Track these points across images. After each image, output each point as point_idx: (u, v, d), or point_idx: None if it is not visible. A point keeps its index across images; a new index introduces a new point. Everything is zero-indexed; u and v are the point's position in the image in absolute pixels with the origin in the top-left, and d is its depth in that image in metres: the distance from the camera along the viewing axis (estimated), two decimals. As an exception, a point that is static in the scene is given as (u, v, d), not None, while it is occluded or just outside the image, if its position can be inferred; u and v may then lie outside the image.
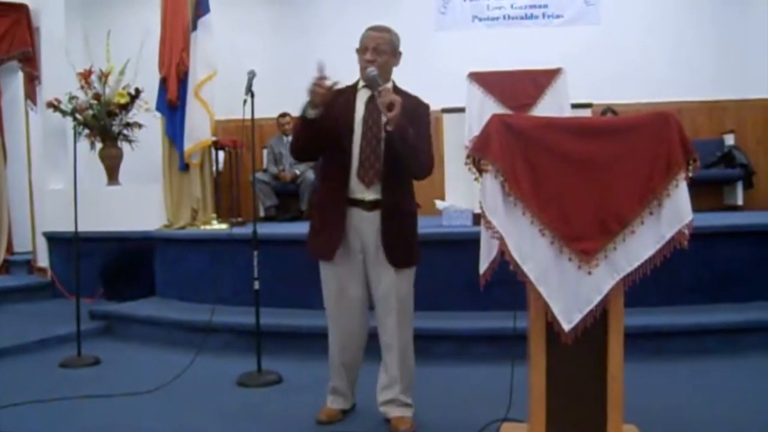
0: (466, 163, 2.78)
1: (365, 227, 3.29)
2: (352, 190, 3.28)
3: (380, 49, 3.34)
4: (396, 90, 3.38)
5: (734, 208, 8.02)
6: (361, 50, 3.37)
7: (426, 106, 3.46)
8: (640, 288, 2.75)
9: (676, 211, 2.60)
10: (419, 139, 3.25)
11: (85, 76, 7.09)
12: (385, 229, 3.27)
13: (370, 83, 3.24)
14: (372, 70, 3.23)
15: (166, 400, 3.95)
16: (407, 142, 3.16)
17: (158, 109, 6.85)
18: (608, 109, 7.75)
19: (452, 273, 4.92)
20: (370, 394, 3.57)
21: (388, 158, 3.24)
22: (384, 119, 3.14)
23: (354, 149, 3.27)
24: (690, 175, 2.65)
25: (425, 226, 5.75)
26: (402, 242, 3.32)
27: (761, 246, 5.08)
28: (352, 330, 3.47)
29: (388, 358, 3.43)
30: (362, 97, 3.39)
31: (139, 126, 7.29)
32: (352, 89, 3.43)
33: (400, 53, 3.46)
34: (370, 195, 3.28)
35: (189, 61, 6.66)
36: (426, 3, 8.91)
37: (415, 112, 3.32)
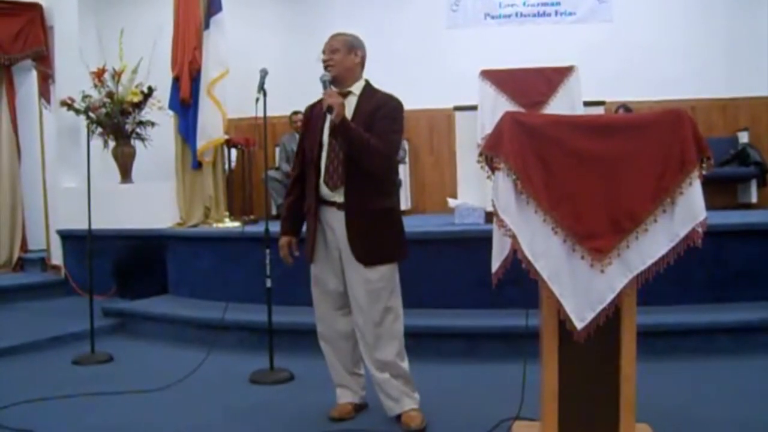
0: (479, 161, 2.78)
1: (337, 226, 3.38)
2: (324, 195, 3.40)
3: (333, 48, 3.42)
4: (369, 88, 3.48)
5: (748, 206, 7.97)
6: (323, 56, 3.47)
7: (395, 102, 3.47)
8: (653, 286, 2.73)
9: (690, 209, 2.58)
10: (378, 135, 3.29)
11: (99, 74, 7.12)
12: (349, 228, 3.34)
13: (324, 85, 3.32)
14: (324, 75, 3.34)
15: (179, 398, 3.97)
16: (351, 142, 3.23)
17: (171, 107, 6.87)
18: (623, 106, 7.71)
19: (464, 271, 4.92)
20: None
21: (346, 161, 3.31)
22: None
23: (322, 157, 3.39)
24: (704, 172, 2.63)
25: (438, 224, 5.79)
26: (369, 240, 3.35)
27: (776, 244, 5.05)
28: (332, 320, 3.59)
29: (362, 352, 3.54)
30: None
31: (152, 124, 7.32)
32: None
33: (359, 53, 3.51)
34: (339, 197, 3.36)
35: (201, 60, 6.68)
36: (437, 1, 8.90)
37: (378, 109, 3.37)
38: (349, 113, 3.32)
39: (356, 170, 3.30)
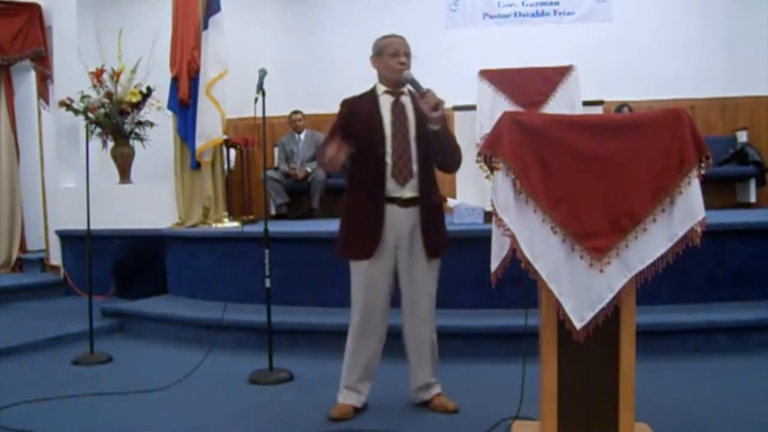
0: (478, 161, 2.77)
1: (401, 223, 3.43)
2: (388, 190, 3.42)
3: (409, 54, 3.53)
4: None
5: (747, 205, 7.97)
6: (393, 54, 3.50)
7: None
8: (652, 286, 2.74)
9: (689, 209, 2.59)
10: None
11: (97, 74, 7.12)
12: (423, 222, 3.45)
13: (411, 85, 3.41)
14: (410, 73, 3.44)
15: (178, 398, 3.97)
16: (451, 140, 3.45)
17: (170, 107, 6.87)
18: (624, 105, 7.70)
19: (463, 271, 4.91)
20: (385, 392, 3.58)
21: (419, 157, 3.42)
22: (410, 120, 3.47)
23: (387, 153, 3.41)
24: (702, 172, 2.64)
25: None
26: (437, 232, 3.53)
27: (774, 244, 5.05)
28: (375, 323, 3.57)
29: (423, 344, 3.61)
30: (385, 102, 3.53)
31: (151, 124, 7.32)
32: (371, 96, 3.58)
33: None
34: (406, 193, 3.42)
35: (200, 60, 6.68)
36: (436, 1, 8.90)
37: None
38: (410, 112, 3.49)
39: (425, 165, 3.44)
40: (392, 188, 3.40)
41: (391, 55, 3.50)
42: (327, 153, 3.33)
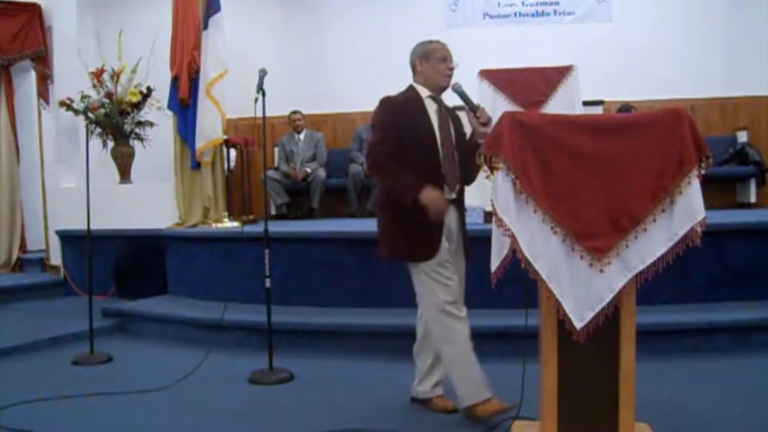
0: (477, 161, 2.77)
1: (452, 222, 3.48)
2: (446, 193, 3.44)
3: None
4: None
5: (747, 205, 7.97)
6: (442, 59, 3.52)
7: None
8: (652, 286, 2.74)
9: (689, 209, 2.59)
10: None
11: (97, 74, 7.12)
12: (461, 225, 3.54)
13: (461, 97, 3.44)
14: (461, 85, 3.46)
15: (178, 398, 3.97)
16: None
17: (170, 107, 6.87)
18: (626, 105, 7.69)
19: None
20: (384, 392, 3.57)
21: (462, 164, 3.47)
22: (450, 126, 3.51)
23: (440, 158, 3.42)
24: (702, 172, 2.64)
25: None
26: (467, 235, 3.60)
27: (775, 244, 5.05)
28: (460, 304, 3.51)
29: None
30: (431, 107, 3.52)
31: (151, 124, 7.32)
32: (417, 99, 3.53)
33: None
34: (452, 195, 3.47)
35: (200, 60, 6.67)
36: (436, 1, 8.90)
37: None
38: (450, 119, 3.53)
39: (463, 171, 3.49)
40: (445, 191, 3.41)
41: (439, 60, 3.50)
42: (435, 202, 3.26)
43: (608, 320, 2.64)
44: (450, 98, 3.57)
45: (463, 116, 3.67)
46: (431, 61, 3.51)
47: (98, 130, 7.10)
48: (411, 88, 3.58)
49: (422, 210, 3.26)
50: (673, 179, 2.61)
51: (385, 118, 3.46)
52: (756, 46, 8.35)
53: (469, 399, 3.38)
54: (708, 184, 2.69)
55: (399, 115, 3.42)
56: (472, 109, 3.38)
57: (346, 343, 4.80)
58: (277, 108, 6.59)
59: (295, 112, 8.41)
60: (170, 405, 3.85)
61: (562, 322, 2.65)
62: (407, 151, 3.36)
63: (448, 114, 3.54)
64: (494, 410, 3.32)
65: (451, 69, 3.50)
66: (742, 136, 8.19)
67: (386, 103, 3.51)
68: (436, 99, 3.53)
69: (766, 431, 3.21)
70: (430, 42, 3.58)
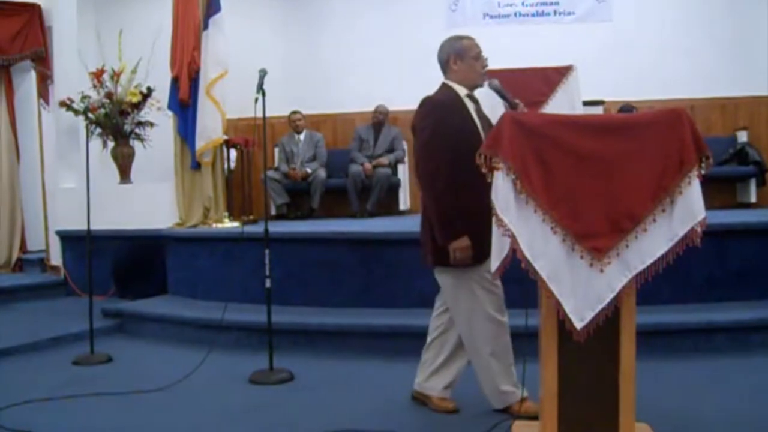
0: (477, 161, 2.77)
1: None
2: None
3: None
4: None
5: (747, 205, 7.96)
6: (477, 57, 3.49)
7: None
8: (653, 286, 2.74)
9: (689, 209, 2.59)
10: None
11: (98, 75, 7.11)
12: None
13: (499, 94, 3.46)
14: (498, 81, 3.46)
15: (178, 398, 3.97)
16: None
17: (170, 108, 6.87)
18: (627, 105, 7.68)
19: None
20: (384, 392, 3.56)
21: None
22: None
23: None
24: (703, 172, 2.64)
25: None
26: None
27: (775, 244, 5.05)
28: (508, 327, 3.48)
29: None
30: (471, 107, 3.48)
31: (151, 125, 7.31)
32: (457, 98, 3.47)
33: None
34: None
35: (200, 60, 6.68)
36: (436, 1, 8.89)
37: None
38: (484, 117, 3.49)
39: None
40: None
41: (474, 58, 3.47)
42: (464, 251, 3.21)
43: (608, 320, 2.64)
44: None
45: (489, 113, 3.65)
46: (466, 59, 3.47)
47: (98, 130, 7.09)
48: (447, 87, 3.51)
49: (473, 217, 3.15)
50: (674, 179, 2.61)
51: (429, 121, 3.36)
52: (756, 46, 8.35)
53: (507, 401, 3.43)
54: (708, 184, 2.69)
55: (444, 116, 3.33)
56: (512, 105, 3.35)
57: (347, 343, 4.80)
58: (278, 108, 6.58)
59: (295, 112, 8.41)
60: (170, 405, 3.85)
61: (563, 322, 2.65)
62: (454, 154, 3.26)
63: (485, 113, 3.51)
64: (531, 411, 3.29)
65: (486, 66, 3.48)
66: (742, 136, 8.19)
67: (429, 103, 3.44)
68: (473, 98, 3.50)
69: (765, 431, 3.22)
70: (461, 38, 3.53)
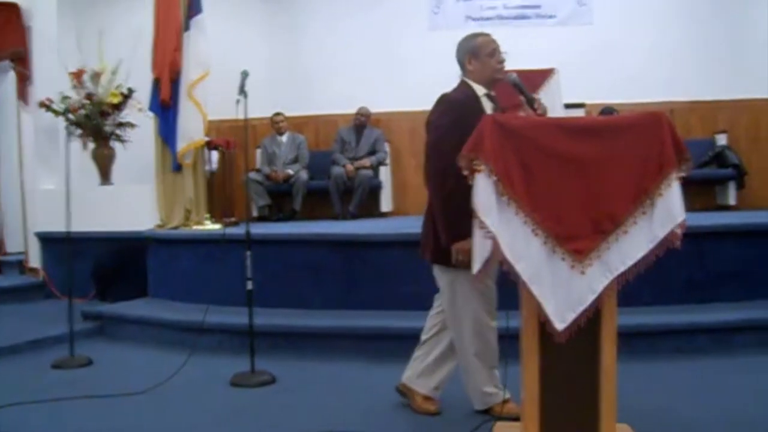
0: (459, 164, 2.77)
1: None
2: None
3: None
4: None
5: (727, 207, 8.04)
6: (491, 53, 3.48)
7: None
8: (633, 287, 2.75)
9: (669, 211, 2.60)
10: None
11: (78, 75, 7.07)
12: None
13: (518, 89, 3.43)
14: (516, 77, 3.44)
15: (159, 401, 3.94)
16: None
17: (151, 109, 6.82)
18: (608, 108, 7.72)
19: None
20: (367, 394, 3.56)
21: None
22: None
23: None
24: (682, 174, 2.65)
25: (416, 226, 5.79)
26: None
27: (754, 245, 5.10)
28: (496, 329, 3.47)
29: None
30: (488, 106, 3.46)
31: (132, 126, 7.27)
32: (474, 98, 3.46)
33: None
34: None
35: (182, 61, 6.64)
36: (419, 3, 8.91)
37: None
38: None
39: None
40: None
41: (489, 55, 3.46)
42: (465, 254, 3.07)
43: (589, 322, 2.65)
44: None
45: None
46: (481, 57, 3.46)
47: (78, 131, 7.04)
48: (465, 84, 3.50)
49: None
50: (654, 182, 2.62)
51: (445, 119, 3.33)
52: (736, 50, 8.44)
53: (488, 402, 3.46)
54: (688, 186, 2.71)
55: (460, 114, 3.27)
56: (529, 101, 3.31)
57: (329, 345, 4.79)
58: (260, 110, 6.55)
59: (277, 114, 8.39)
60: (151, 408, 3.82)
61: (544, 323, 2.66)
62: None
63: (503, 112, 3.47)
64: (513, 412, 3.30)
65: (502, 61, 3.46)
66: (721, 139, 8.27)
67: (446, 101, 3.42)
68: (492, 97, 3.48)
69: (748, 430, 3.24)
70: (476, 36, 3.52)
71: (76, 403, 3.91)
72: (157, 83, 6.75)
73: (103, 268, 6.46)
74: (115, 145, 7.32)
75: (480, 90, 3.48)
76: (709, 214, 6.85)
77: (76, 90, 7.07)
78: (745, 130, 8.42)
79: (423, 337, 3.67)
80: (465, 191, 2.83)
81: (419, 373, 3.62)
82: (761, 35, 8.37)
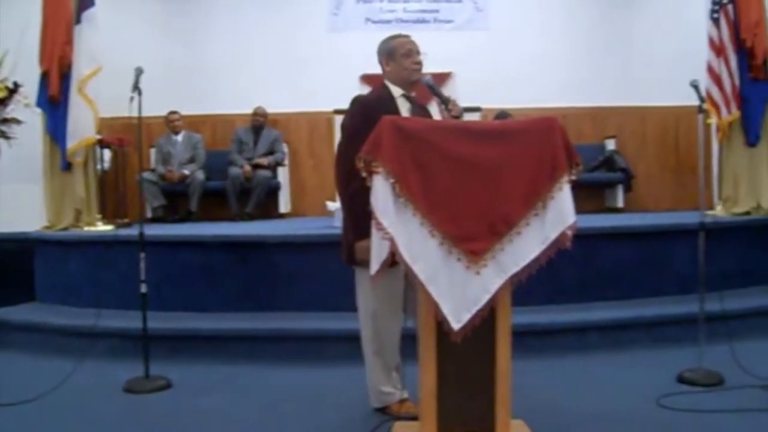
0: (357, 165, 2.78)
1: None
2: None
3: (419, 53, 3.49)
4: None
5: (615, 210, 8.38)
6: (406, 54, 3.46)
7: None
8: (527, 287, 2.82)
9: (560, 213, 2.69)
10: None
11: (-42, 68, 6.72)
12: None
13: (432, 91, 3.38)
14: (430, 78, 3.42)
15: (47, 410, 3.78)
16: None
17: (39, 104, 6.54)
18: (503, 113, 7.89)
19: (342, 274, 4.92)
20: (276, 396, 3.51)
21: None
22: None
23: None
24: (573, 178, 2.75)
25: (317, 227, 5.78)
26: None
27: (640, 246, 5.33)
28: (398, 330, 3.46)
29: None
30: (403, 107, 3.45)
31: (18, 122, 6.95)
32: (389, 98, 3.44)
33: None
34: None
35: (73, 56, 6.41)
36: (318, 4, 8.89)
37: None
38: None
39: None
40: None
41: (404, 56, 3.45)
42: (365, 255, 3.01)
43: (485, 321, 2.71)
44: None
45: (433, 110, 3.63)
46: (396, 58, 3.47)
47: (-41, 127, 6.70)
48: (384, 86, 3.51)
49: None
50: (546, 184, 2.70)
51: (356, 120, 3.32)
52: (625, 58, 8.79)
53: (385, 401, 3.48)
54: (578, 189, 2.80)
55: (370, 115, 3.15)
56: (444, 101, 3.30)
57: (227, 348, 4.71)
58: (155, 108, 6.39)
59: (172, 113, 8.21)
60: (38, 418, 3.66)
61: (441, 323, 2.69)
62: None
63: (421, 113, 3.48)
64: (410, 411, 3.34)
65: (418, 62, 3.45)
66: (611, 144, 8.61)
67: (357, 102, 3.43)
68: (409, 98, 3.48)
69: (635, 422, 3.37)
70: (393, 38, 3.53)
71: (-46, 414, 3.71)
72: (45, 77, 6.47)
73: (-14, 271, 6.17)
74: (0, 142, 6.99)
75: (397, 91, 3.49)
76: (599, 216, 7.11)
77: (-44, 83, 6.72)
78: (632, 136, 8.81)
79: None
80: (368, 193, 2.84)
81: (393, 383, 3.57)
82: (645, 45, 8.75)
